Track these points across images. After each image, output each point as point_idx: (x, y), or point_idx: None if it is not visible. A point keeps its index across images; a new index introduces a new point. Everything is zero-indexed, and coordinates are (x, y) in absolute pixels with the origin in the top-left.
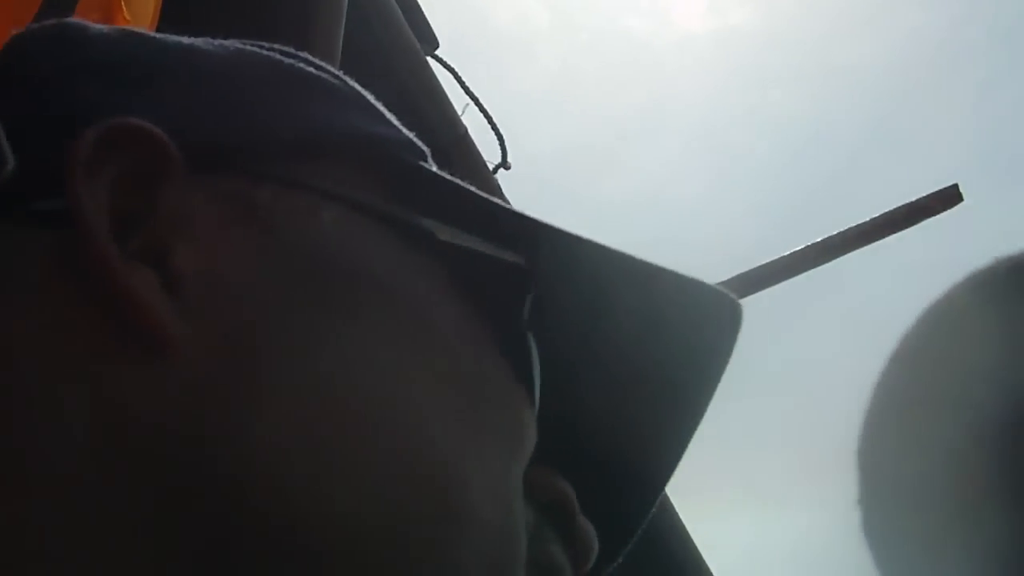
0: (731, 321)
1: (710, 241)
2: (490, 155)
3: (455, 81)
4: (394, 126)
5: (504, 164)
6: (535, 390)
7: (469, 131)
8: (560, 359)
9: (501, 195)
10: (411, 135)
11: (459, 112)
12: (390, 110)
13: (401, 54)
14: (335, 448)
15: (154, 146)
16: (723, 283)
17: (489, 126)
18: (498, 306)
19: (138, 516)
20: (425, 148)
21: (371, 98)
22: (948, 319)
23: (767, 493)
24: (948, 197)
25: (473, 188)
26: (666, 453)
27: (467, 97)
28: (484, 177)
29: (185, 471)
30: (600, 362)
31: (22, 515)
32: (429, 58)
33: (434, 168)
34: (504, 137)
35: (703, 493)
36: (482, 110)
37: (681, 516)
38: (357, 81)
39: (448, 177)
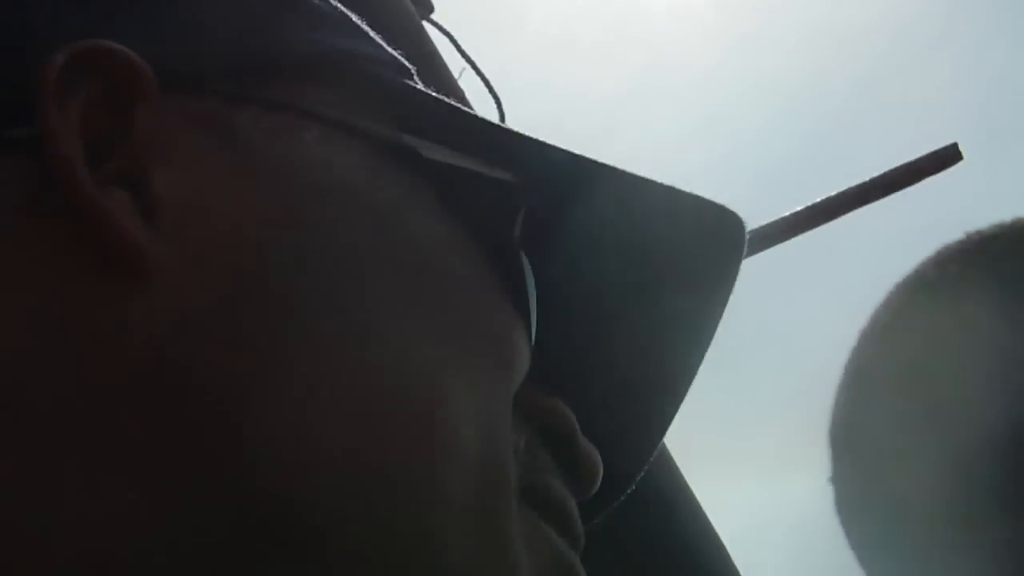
0: (734, 238)
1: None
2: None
3: (452, 46)
4: (378, 44)
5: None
6: (529, 310)
7: (466, 95)
8: (561, 282)
9: None
10: (396, 53)
11: (456, 76)
12: None
13: (396, 18)
14: (316, 370)
15: (127, 68)
16: None
17: (486, 90)
18: (488, 224)
19: (120, 439)
20: (411, 66)
21: (354, 17)
22: (917, 297)
23: (775, 458)
24: (947, 156)
25: (461, 105)
26: (673, 380)
27: (464, 61)
28: None
29: (166, 393)
30: (600, 284)
31: (4, 444)
32: (424, 22)
33: (420, 85)
34: (501, 102)
35: (710, 459)
36: (479, 74)
37: (689, 482)
38: None
39: (434, 94)
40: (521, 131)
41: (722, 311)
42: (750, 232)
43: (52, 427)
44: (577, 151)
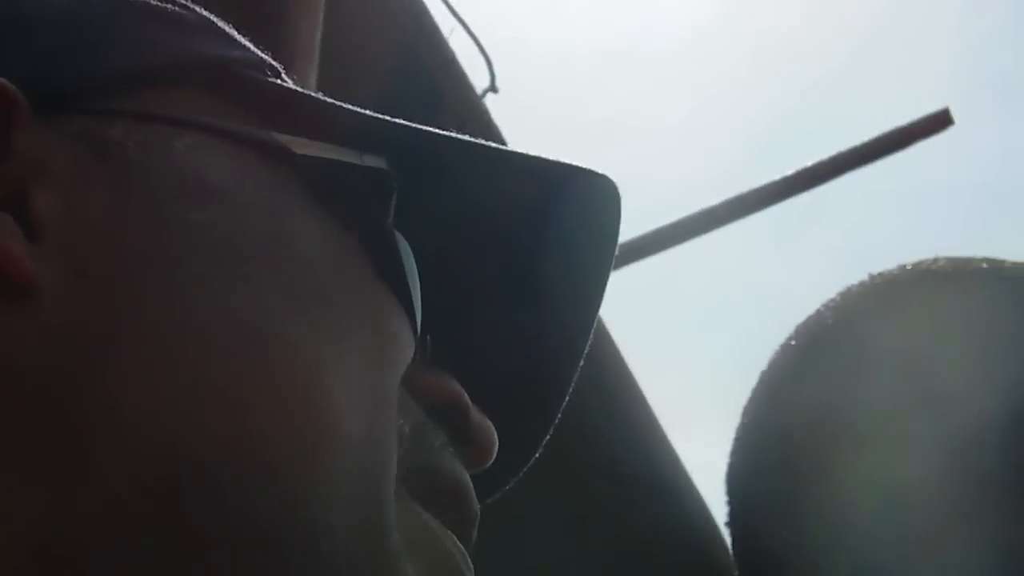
0: (611, 201)
1: (698, 165)
2: (478, 79)
3: (442, 4)
4: (245, 47)
5: (492, 88)
6: (409, 296)
7: (457, 55)
8: (444, 265)
9: (489, 119)
10: (262, 53)
11: (446, 36)
12: (376, 38)
13: None
14: (196, 374)
15: None
16: (710, 208)
17: (477, 49)
18: (362, 212)
19: (9, 444)
20: (278, 65)
21: (219, 22)
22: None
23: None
24: (939, 121)
25: (328, 99)
26: (564, 353)
27: (454, 20)
28: (472, 101)
29: (52, 407)
30: (481, 264)
31: None
32: None
33: (288, 83)
34: (492, 60)
35: (693, 418)
36: (469, 33)
37: (671, 441)
38: (341, 16)
39: (302, 90)
40: (392, 118)
41: (605, 280)
42: (741, 195)
43: None
44: (449, 132)
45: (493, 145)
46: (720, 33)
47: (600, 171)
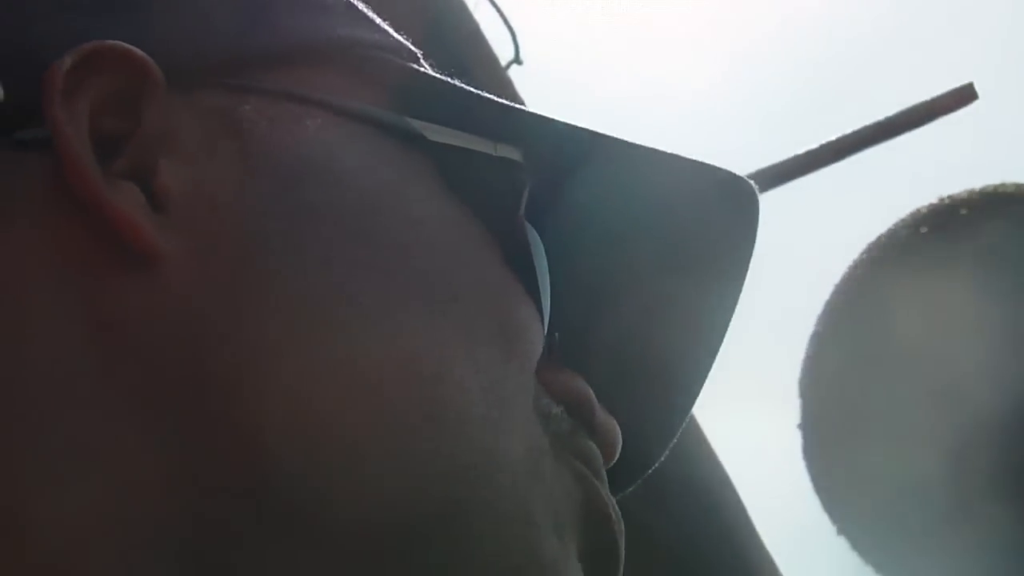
0: (748, 206)
1: (723, 137)
2: (503, 51)
3: None
4: (381, 29)
5: (517, 60)
6: (538, 290)
7: (481, 27)
8: (575, 260)
9: (514, 92)
10: (400, 37)
11: (470, 7)
12: (401, 10)
13: None
14: (322, 353)
15: (133, 66)
16: None
17: (502, 21)
18: (494, 202)
19: (129, 412)
20: (415, 50)
21: (359, 4)
22: (889, 258)
23: (780, 389)
24: (963, 95)
25: (465, 85)
26: (694, 355)
27: None
28: (497, 74)
29: (170, 377)
30: (614, 263)
31: (25, 421)
32: None
33: (425, 68)
34: (516, 33)
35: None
36: (494, 5)
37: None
38: None
39: (438, 76)
40: (529, 108)
41: (739, 291)
42: (765, 169)
43: (66, 412)
44: (586, 125)
45: (632, 142)
46: (748, 6)
47: (747, 181)
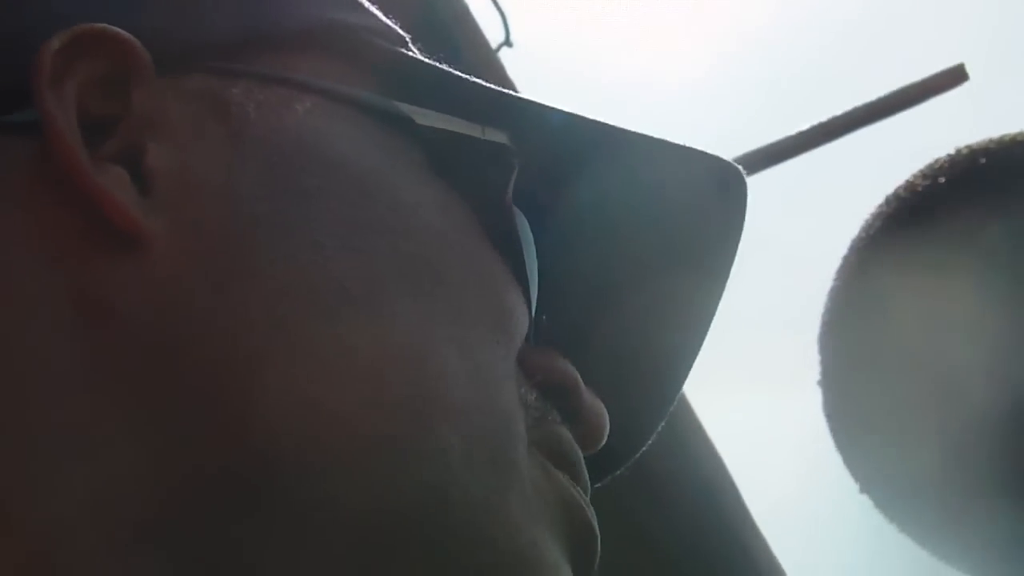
0: (737, 194)
1: (714, 119)
2: (493, 34)
3: None
4: (370, 13)
5: (507, 42)
6: (525, 273)
7: (470, 8)
8: (565, 247)
9: (504, 74)
10: (389, 21)
11: None
12: None
13: None
14: (310, 336)
15: (121, 49)
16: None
17: (492, 3)
18: (482, 186)
19: (116, 396)
20: (404, 34)
21: None
22: (914, 269)
23: (777, 374)
24: (953, 76)
25: (453, 69)
26: (681, 339)
27: None
28: (487, 56)
29: (163, 361)
30: (604, 249)
31: (10, 407)
32: None
33: (412, 53)
34: (507, 15)
35: (711, 374)
36: None
37: (688, 397)
38: None
39: (427, 60)
40: (517, 93)
41: (726, 277)
42: (756, 150)
43: (53, 397)
44: (575, 109)
45: (618, 126)
46: None
47: (735, 167)
